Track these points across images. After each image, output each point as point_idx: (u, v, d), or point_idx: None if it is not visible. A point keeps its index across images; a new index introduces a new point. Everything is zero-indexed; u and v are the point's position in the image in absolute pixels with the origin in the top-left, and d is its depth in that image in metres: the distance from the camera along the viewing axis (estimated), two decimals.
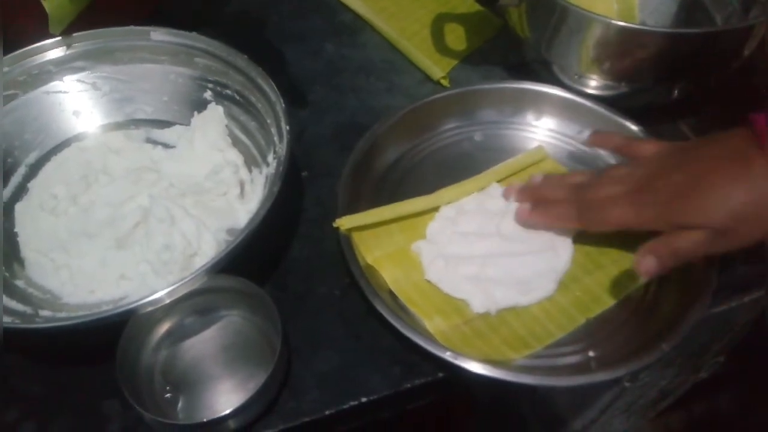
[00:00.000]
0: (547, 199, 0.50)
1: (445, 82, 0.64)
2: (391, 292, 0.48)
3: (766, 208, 0.40)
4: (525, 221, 0.50)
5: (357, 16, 0.72)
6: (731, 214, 0.41)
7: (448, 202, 0.53)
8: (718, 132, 0.45)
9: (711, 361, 0.74)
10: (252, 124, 0.54)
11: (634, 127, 0.55)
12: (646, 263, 0.43)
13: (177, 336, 0.45)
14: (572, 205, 0.48)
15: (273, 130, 0.51)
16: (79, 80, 0.56)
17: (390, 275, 0.49)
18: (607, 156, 0.57)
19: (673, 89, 0.58)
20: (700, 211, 0.42)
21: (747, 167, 0.41)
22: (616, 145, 0.51)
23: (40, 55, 0.54)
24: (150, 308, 0.41)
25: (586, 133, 0.56)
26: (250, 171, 0.54)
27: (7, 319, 0.42)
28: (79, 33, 0.55)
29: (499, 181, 0.55)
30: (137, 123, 0.58)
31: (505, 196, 0.53)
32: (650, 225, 0.44)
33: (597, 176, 0.49)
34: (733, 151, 0.42)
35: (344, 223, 0.48)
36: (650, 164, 0.46)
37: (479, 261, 0.49)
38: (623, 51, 0.53)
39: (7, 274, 0.48)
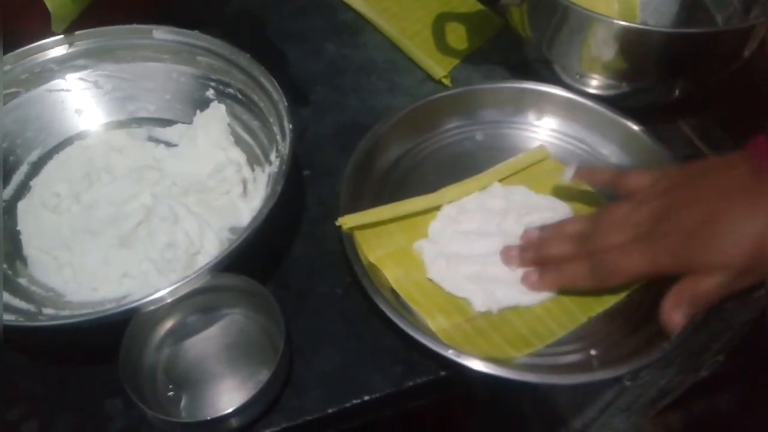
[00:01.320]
0: (553, 259, 0.47)
1: (446, 82, 0.64)
2: (393, 291, 0.48)
3: None
4: (537, 290, 0.48)
5: (358, 16, 0.72)
6: (750, 254, 0.39)
7: (450, 202, 0.53)
8: (715, 155, 0.44)
9: (711, 360, 0.74)
10: (254, 123, 0.54)
11: (635, 127, 0.55)
12: (677, 318, 0.41)
13: (180, 334, 0.46)
14: (582, 262, 0.46)
15: (275, 129, 0.51)
16: (81, 78, 0.56)
17: (392, 274, 0.49)
18: (608, 155, 0.57)
19: (674, 89, 0.58)
20: (717, 254, 0.40)
21: (758, 201, 0.39)
22: (604, 181, 0.49)
23: (42, 53, 0.54)
24: (153, 307, 0.41)
25: (570, 171, 0.52)
26: (253, 170, 0.54)
27: (10, 317, 0.42)
28: (81, 31, 0.55)
29: (500, 180, 0.55)
30: (139, 121, 0.58)
31: (505, 261, 0.49)
32: (665, 272, 0.43)
33: (597, 221, 0.46)
34: (739, 181, 0.41)
35: (346, 221, 0.49)
36: (650, 202, 0.44)
37: (481, 260, 0.49)
38: (624, 51, 0.53)
39: (9, 272, 0.48)
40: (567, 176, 0.51)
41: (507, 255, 0.49)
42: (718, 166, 0.43)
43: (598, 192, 0.54)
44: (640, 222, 0.43)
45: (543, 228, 0.50)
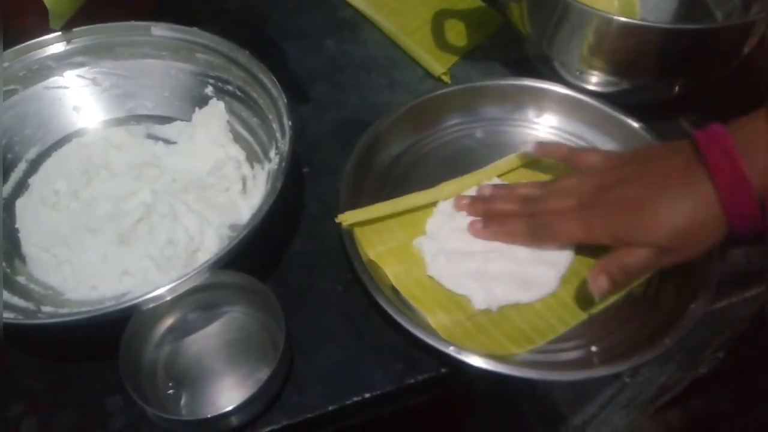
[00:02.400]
0: (498, 213, 0.50)
1: (446, 79, 0.64)
2: (393, 288, 0.48)
3: (706, 228, 0.42)
4: (479, 237, 0.50)
5: (357, 12, 0.71)
6: (674, 234, 0.42)
7: (449, 197, 0.53)
8: (667, 142, 0.45)
9: (710, 357, 0.74)
10: (253, 120, 0.54)
11: (635, 124, 0.55)
12: (599, 283, 0.44)
13: (180, 332, 0.45)
14: (522, 220, 0.49)
15: (275, 126, 0.51)
16: (79, 75, 0.56)
17: (392, 271, 0.49)
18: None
19: (673, 86, 0.58)
20: (644, 230, 0.43)
21: (689, 187, 0.42)
22: (561, 155, 0.52)
23: (41, 50, 0.54)
24: (153, 304, 0.41)
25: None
26: (252, 167, 0.54)
27: (9, 315, 0.42)
28: (80, 28, 0.54)
29: (499, 176, 0.55)
30: (138, 119, 0.58)
31: (456, 207, 0.52)
32: (598, 240, 0.46)
33: (546, 187, 0.50)
34: (678, 168, 0.43)
35: (347, 218, 0.48)
36: (597, 176, 0.47)
37: (480, 256, 0.49)
38: (624, 47, 0.53)
39: (8, 271, 0.48)
40: (528, 150, 0.54)
41: (459, 202, 0.52)
42: (663, 151, 0.46)
43: None
44: (583, 192, 0.47)
45: (496, 186, 0.53)
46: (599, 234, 0.45)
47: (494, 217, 0.51)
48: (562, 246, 0.49)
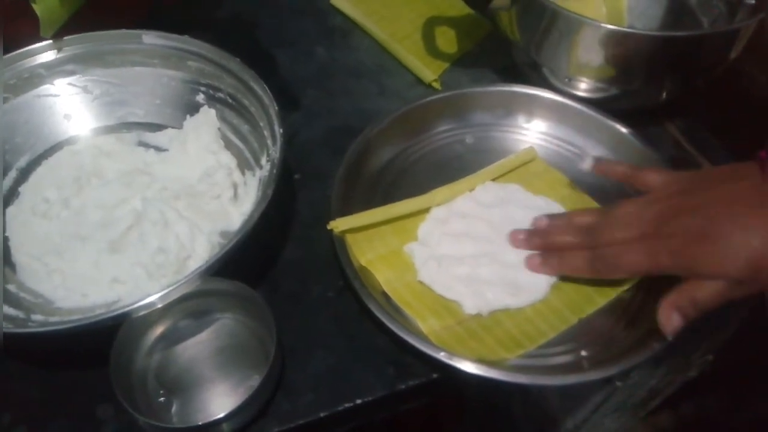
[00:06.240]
0: (557, 246, 0.49)
1: (436, 85, 0.64)
2: (384, 294, 0.48)
3: None
4: (538, 272, 0.49)
5: (348, 20, 0.72)
6: (749, 265, 0.39)
7: (440, 203, 0.53)
8: (730, 163, 0.43)
9: (700, 360, 0.74)
10: (245, 128, 0.54)
11: (623, 129, 0.56)
12: (673, 322, 0.42)
13: (171, 339, 0.45)
14: (584, 253, 0.47)
15: (266, 133, 0.51)
16: (70, 83, 0.56)
17: (383, 276, 0.49)
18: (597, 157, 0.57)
19: (661, 91, 0.58)
20: (717, 261, 0.40)
21: (760, 211, 0.39)
22: (621, 175, 0.50)
23: (31, 58, 0.54)
24: (143, 312, 0.41)
25: (588, 162, 0.56)
26: (243, 174, 0.54)
27: None
28: (70, 36, 0.55)
29: (493, 180, 0.55)
30: (129, 126, 0.58)
31: (513, 243, 0.50)
32: (666, 272, 0.43)
33: (606, 215, 0.47)
34: (746, 192, 0.41)
35: (338, 225, 0.49)
36: (659, 203, 0.44)
37: (471, 261, 0.49)
38: (612, 54, 0.54)
39: None
40: (585, 167, 0.54)
41: (515, 238, 0.51)
42: (729, 175, 0.43)
43: (587, 195, 0.55)
44: (647, 220, 0.44)
45: (552, 216, 0.51)
46: (667, 265, 0.42)
47: (553, 250, 0.49)
48: (626, 278, 0.47)
